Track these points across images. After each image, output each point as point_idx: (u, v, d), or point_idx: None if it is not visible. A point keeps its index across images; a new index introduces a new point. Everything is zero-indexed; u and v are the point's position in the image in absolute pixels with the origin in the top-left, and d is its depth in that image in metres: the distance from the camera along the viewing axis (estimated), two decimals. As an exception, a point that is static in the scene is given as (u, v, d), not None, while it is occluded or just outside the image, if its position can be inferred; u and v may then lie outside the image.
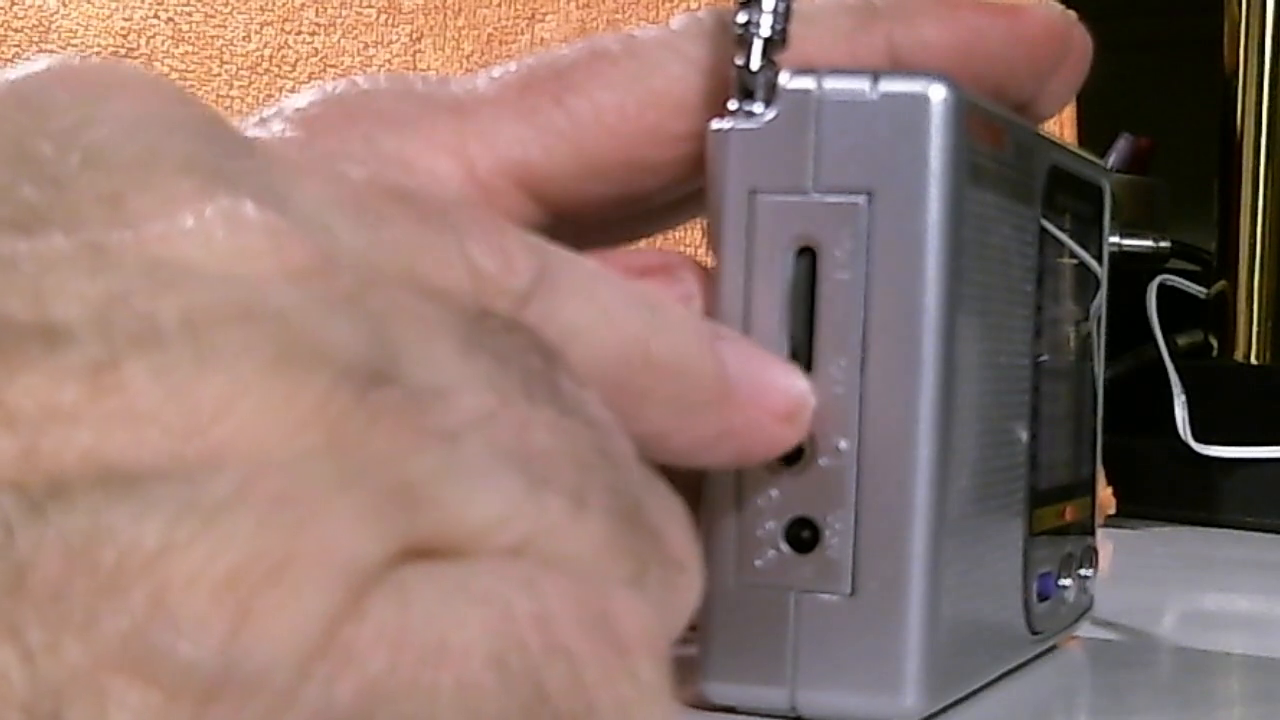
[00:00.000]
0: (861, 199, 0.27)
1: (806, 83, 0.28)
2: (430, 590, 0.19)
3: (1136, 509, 0.69)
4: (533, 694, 0.19)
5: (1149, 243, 0.76)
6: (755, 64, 0.27)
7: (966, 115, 0.28)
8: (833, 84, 0.27)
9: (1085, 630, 0.38)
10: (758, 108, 0.28)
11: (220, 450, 0.18)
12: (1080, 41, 0.32)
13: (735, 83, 0.28)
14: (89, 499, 0.17)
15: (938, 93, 0.27)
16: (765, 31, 0.27)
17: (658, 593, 0.21)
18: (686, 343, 0.24)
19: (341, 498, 0.18)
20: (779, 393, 0.26)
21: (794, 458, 0.27)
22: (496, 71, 0.29)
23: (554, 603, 0.19)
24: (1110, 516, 0.67)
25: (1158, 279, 0.75)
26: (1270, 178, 0.74)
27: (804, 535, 0.27)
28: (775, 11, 0.27)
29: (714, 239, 0.28)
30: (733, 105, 0.28)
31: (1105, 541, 0.64)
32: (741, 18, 0.28)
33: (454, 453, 0.19)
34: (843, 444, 0.27)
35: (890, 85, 0.27)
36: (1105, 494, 0.67)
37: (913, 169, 0.27)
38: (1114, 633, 0.41)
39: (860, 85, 0.27)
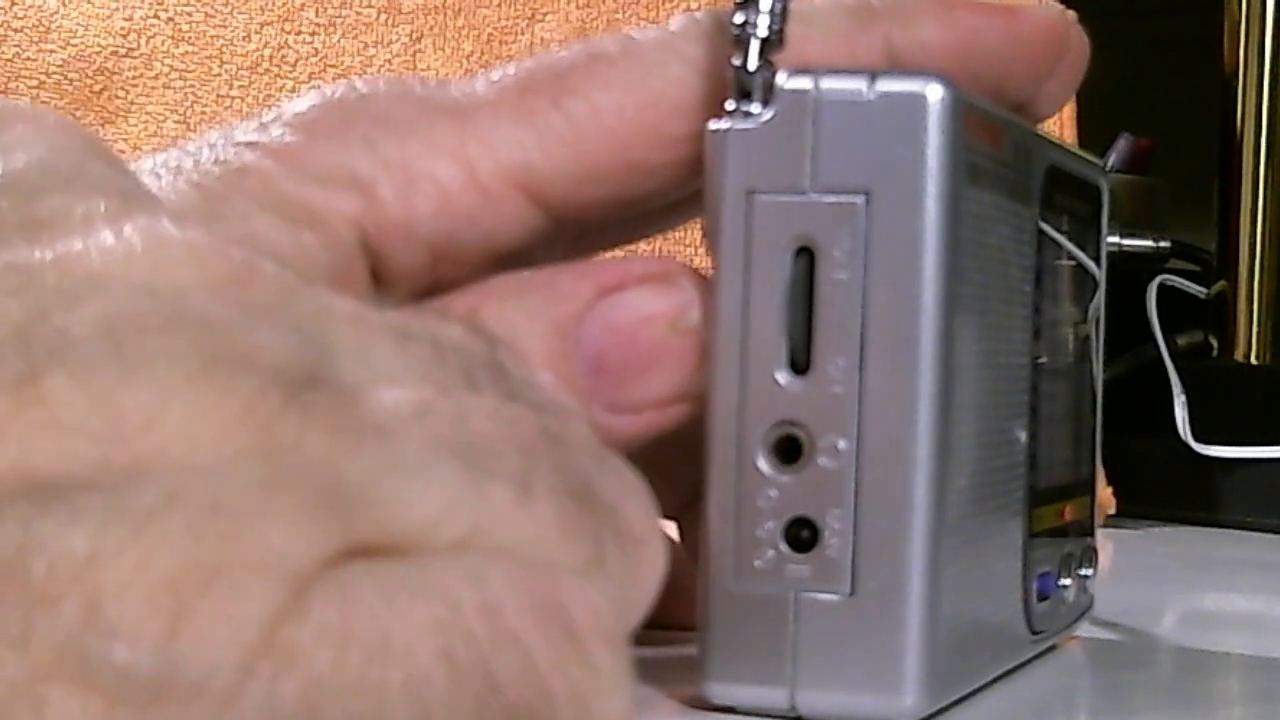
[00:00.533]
0: (859, 199, 0.27)
1: (804, 83, 0.28)
2: (372, 588, 0.18)
3: (1136, 509, 0.69)
4: (484, 684, 0.19)
5: (1149, 243, 0.76)
6: (752, 64, 0.28)
7: (964, 115, 0.28)
8: (830, 84, 0.27)
9: (1085, 630, 0.38)
10: (755, 108, 0.28)
11: (148, 459, 0.18)
12: (1078, 42, 0.32)
13: (732, 83, 0.28)
14: (17, 510, 0.17)
15: (935, 92, 0.27)
16: (762, 32, 0.27)
17: (618, 571, 0.21)
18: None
19: (274, 502, 0.18)
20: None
21: (793, 457, 0.27)
22: (496, 74, 0.29)
23: (501, 591, 0.19)
24: (1110, 516, 0.67)
25: (1158, 279, 0.75)
26: (1270, 178, 0.74)
27: (803, 535, 0.27)
28: (772, 12, 0.27)
29: (712, 239, 0.28)
30: (730, 106, 0.28)
31: (1105, 541, 0.64)
32: (739, 18, 0.28)
33: (390, 450, 0.19)
34: (842, 444, 0.27)
35: (888, 85, 0.27)
36: (1105, 494, 0.67)
37: (911, 169, 0.27)
38: (1114, 633, 0.41)
39: (858, 85, 0.27)
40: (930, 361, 0.27)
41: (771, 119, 0.28)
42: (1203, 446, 0.70)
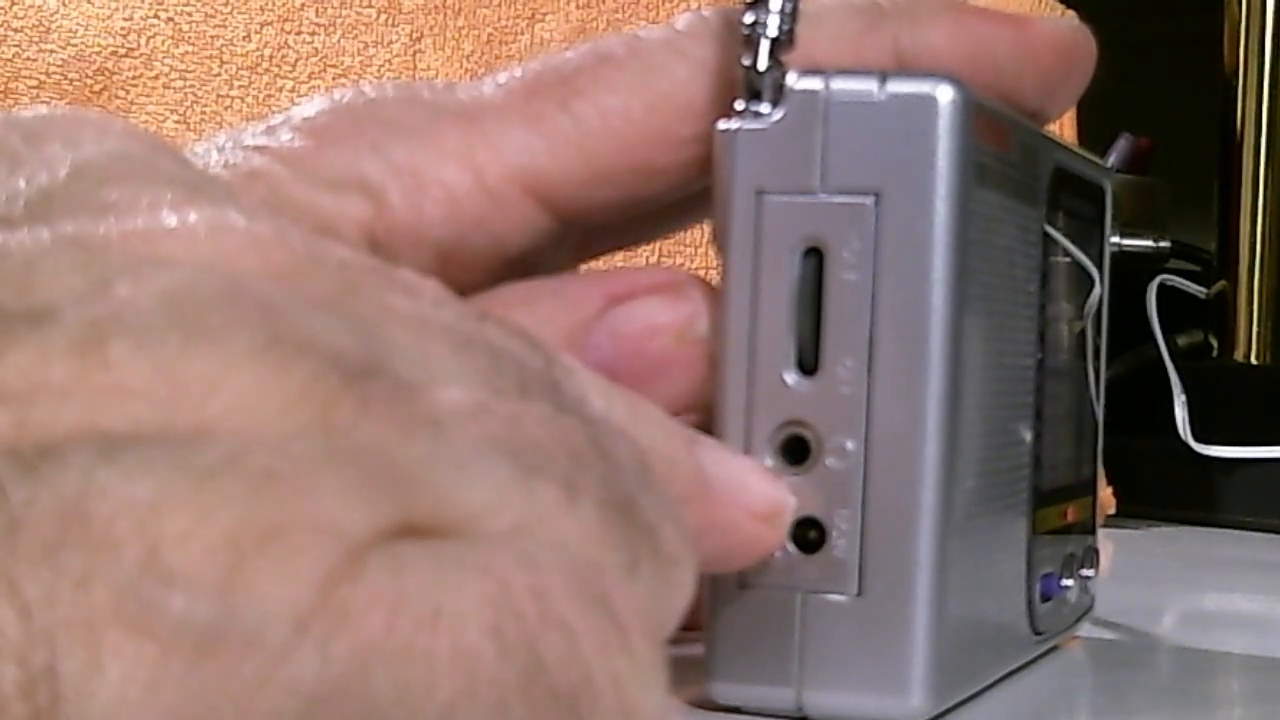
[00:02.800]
0: (869, 200, 0.27)
1: (814, 83, 0.28)
2: (426, 561, 0.19)
3: (1136, 509, 0.69)
4: (530, 664, 0.19)
5: (1149, 243, 0.77)
6: (762, 64, 0.27)
7: (973, 116, 0.28)
8: (840, 85, 0.27)
9: (1086, 630, 0.38)
10: (764, 108, 0.28)
11: (209, 425, 0.18)
12: (1087, 52, 0.32)
13: (742, 83, 0.28)
14: (81, 458, 0.17)
15: (945, 94, 0.27)
16: (772, 32, 0.27)
17: (650, 585, 0.21)
18: (664, 438, 0.24)
19: (331, 474, 0.18)
20: (757, 493, 0.26)
21: (801, 458, 0.27)
22: (502, 77, 0.29)
23: (551, 576, 0.19)
24: (1110, 516, 0.67)
25: (1158, 279, 0.75)
26: (1270, 178, 0.74)
27: (810, 536, 0.27)
28: (782, 12, 0.27)
29: (721, 239, 0.28)
30: (739, 106, 0.28)
31: (1105, 541, 0.64)
32: (748, 18, 0.28)
33: (443, 441, 0.19)
34: (849, 444, 0.27)
35: (898, 86, 0.27)
36: (1105, 494, 0.67)
37: (920, 170, 0.27)
38: (1114, 633, 0.41)
39: (868, 86, 0.27)
40: (939, 362, 0.27)
41: (781, 119, 0.28)
42: (1203, 446, 0.70)
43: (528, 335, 0.22)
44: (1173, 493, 0.71)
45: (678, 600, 0.22)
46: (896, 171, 0.27)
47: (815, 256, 0.28)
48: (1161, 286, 0.75)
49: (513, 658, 0.19)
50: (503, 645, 0.19)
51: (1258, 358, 0.74)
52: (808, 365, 0.27)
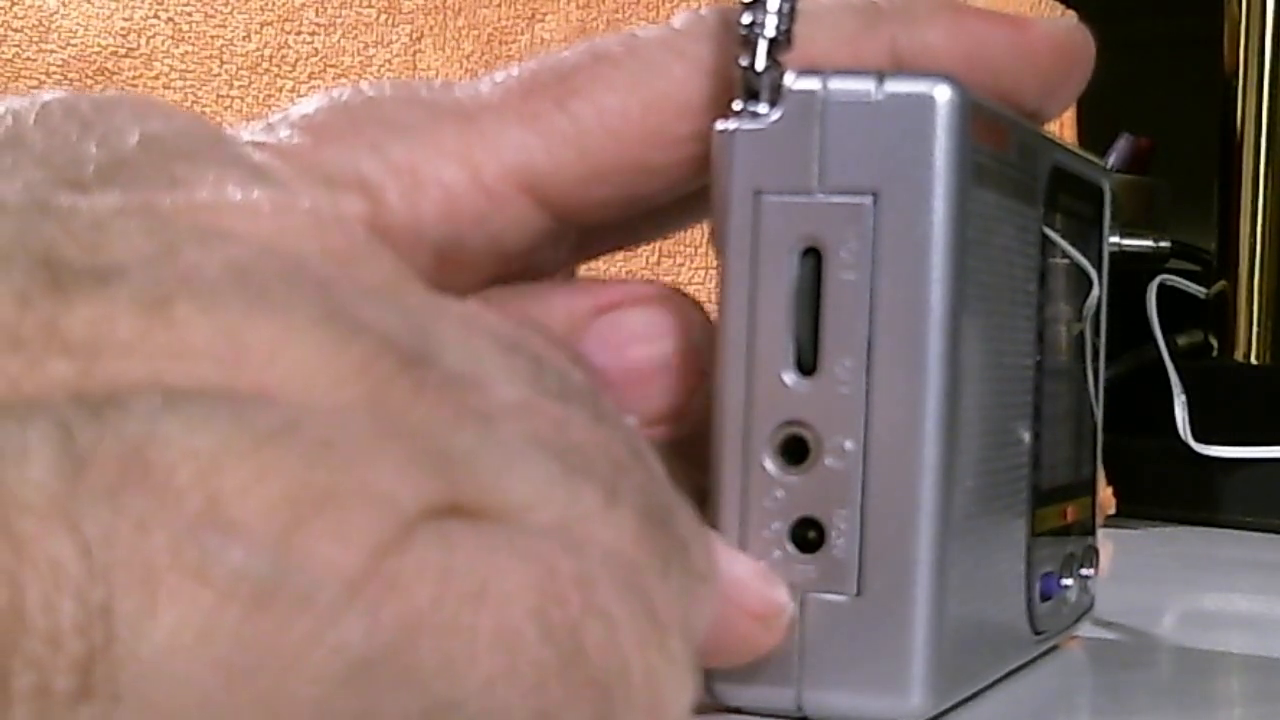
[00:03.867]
0: (867, 199, 0.27)
1: (812, 83, 0.28)
2: (474, 539, 0.19)
3: (1136, 509, 0.69)
4: (571, 649, 0.19)
5: (1149, 243, 0.76)
6: (760, 64, 0.27)
7: (971, 116, 0.28)
8: (838, 84, 0.27)
9: (1085, 630, 0.38)
10: (762, 108, 0.28)
11: (269, 388, 0.18)
12: (1086, 53, 0.32)
13: (739, 83, 0.28)
14: (145, 406, 0.18)
15: (943, 93, 0.27)
16: (770, 32, 0.27)
17: (680, 594, 0.22)
18: None
19: (384, 449, 0.19)
20: (754, 593, 0.26)
21: (800, 458, 0.27)
22: (500, 76, 0.29)
23: (595, 567, 0.20)
24: (1110, 516, 0.67)
25: (1158, 279, 0.75)
26: (1270, 178, 0.74)
27: (809, 536, 0.27)
28: (780, 12, 0.27)
29: (719, 239, 0.28)
30: (737, 105, 0.28)
31: (1105, 541, 0.64)
32: (746, 18, 0.28)
33: (492, 434, 0.20)
34: (848, 444, 0.27)
35: (896, 86, 0.27)
36: (1105, 494, 0.67)
37: (918, 169, 0.27)
38: (1114, 633, 0.41)
39: (866, 86, 0.27)
40: (938, 362, 0.27)
41: (779, 119, 0.28)
42: (1203, 446, 0.70)
43: (567, 347, 0.23)
44: (1173, 493, 0.71)
45: (702, 615, 0.23)
46: (895, 171, 0.27)
47: (813, 256, 0.28)
48: (1161, 286, 0.75)
49: (554, 641, 0.19)
50: (545, 628, 0.19)
51: (1258, 358, 0.74)
52: (806, 365, 0.27)
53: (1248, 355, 0.74)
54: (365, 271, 0.21)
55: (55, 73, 0.75)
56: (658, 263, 0.77)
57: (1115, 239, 0.75)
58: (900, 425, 0.27)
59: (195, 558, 0.17)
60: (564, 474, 0.20)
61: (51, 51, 0.73)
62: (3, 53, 0.70)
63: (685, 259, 0.77)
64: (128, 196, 0.20)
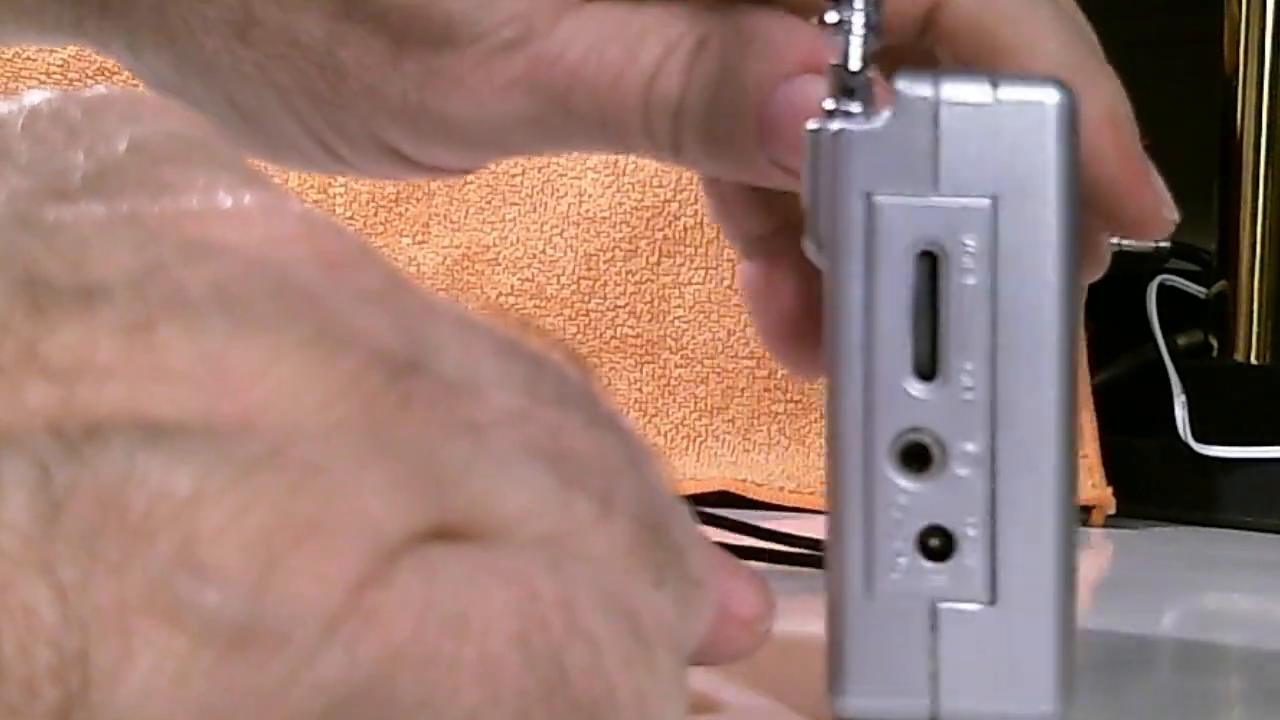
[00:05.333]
0: (986, 202, 0.27)
1: (924, 86, 0.27)
2: (456, 566, 0.19)
3: (1136, 509, 0.69)
4: (554, 674, 0.19)
5: (1149, 243, 0.76)
6: (855, 64, 0.27)
7: (1076, 119, 0.27)
8: (951, 87, 0.27)
9: (1086, 630, 0.38)
10: (856, 107, 0.27)
11: (252, 413, 0.18)
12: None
13: (834, 83, 0.27)
14: (123, 440, 0.17)
15: (1053, 97, 0.27)
16: (859, 30, 0.27)
17: (675, 604, 0.21)
18: None
19: (371, 472, 0.18)
20: (741, 598, 0.26)
21: (923, 465, 0.27)
22: None
23: (579, 587, 0.20)
24: (1110, 516, 0.67)
25: (1158, 279, 0.75)
26: (1270, 178, 0.74)
27: (938, 544, 0.27)
28: (867, 8, 0.27)
29: (827, 242, 0.27)
30: (830, 105, 0.27)
31: (1105, 541, 0.64)
32: (832, 16, 0.27)
33: (483, 444, 0.20)
34: (975, 450, 0.27)
35: (1010, 90, 0.27)
36: (1105, 494, 0.67)
37: (1038, 173, 0.27)
38: (1114, 633, 0.41)
39: (980, 88, 0.27)
40: (1062, 364, 0.27)
41: (890, 121, 0.27)
42: (1203, 446, 0.70)
43: (564, 346, 0.22)
44: (1173, 493, 0.71)
45: (698, 622, 0.22)
46: (1013, 174, 0.27)
47: (928, 260, 0.27)
48: (1161, 286, 0.75)
49: (537, 667, 0.19)
50: (528, 654, 0.19)
51: (1258, 358, 0.74)
52: (925, 371, 0.27)
53: (1248, 355, 0.74)
54: (358, 275, 0.20)
55: (55, 72, 0.75)
56: (658, 263, 0.77)
57: (1115, 239, 0.75)
58: (1027, 429, 0.27)
59: (169, 602, 0.17)
60: (557, 485, 0.20)
61: (51, 51, 0.73)
62: (3, 53, 0.70)
63: (685, 259, 0.77)
64: (114, 207, 0.20)
